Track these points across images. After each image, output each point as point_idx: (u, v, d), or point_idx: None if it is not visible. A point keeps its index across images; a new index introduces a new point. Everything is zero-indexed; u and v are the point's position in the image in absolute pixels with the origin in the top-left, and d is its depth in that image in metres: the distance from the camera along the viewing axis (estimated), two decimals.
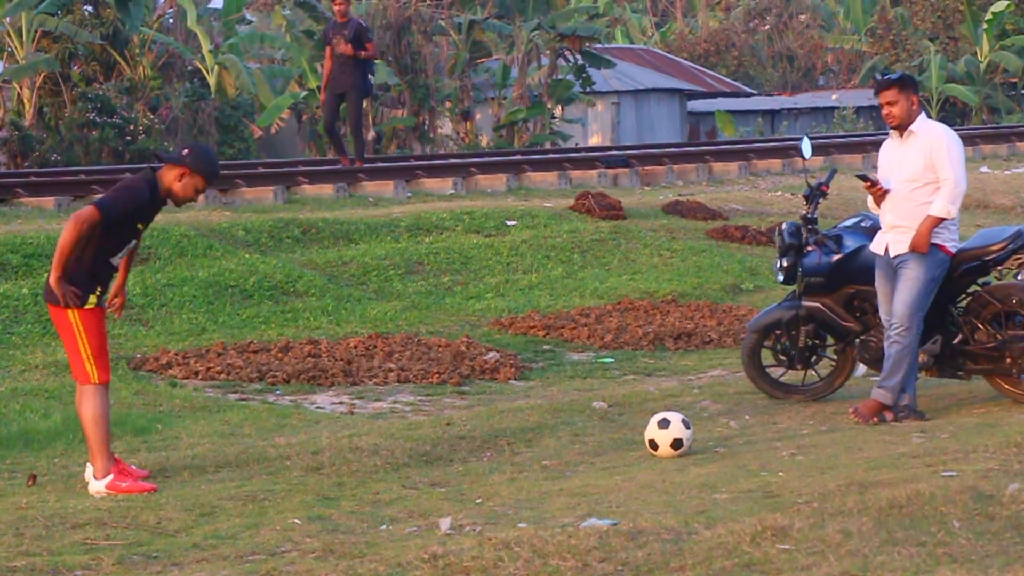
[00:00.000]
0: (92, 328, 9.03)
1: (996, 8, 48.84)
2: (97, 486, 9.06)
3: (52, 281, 8.89)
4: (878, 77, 10.59)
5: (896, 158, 10.54)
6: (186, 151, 9.18)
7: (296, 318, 15.59)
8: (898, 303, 10.34)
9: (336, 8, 23.12)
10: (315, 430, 11.07)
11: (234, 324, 15.23)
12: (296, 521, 8.02)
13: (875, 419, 10.34)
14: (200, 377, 13.27)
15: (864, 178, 10.65)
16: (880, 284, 10.55)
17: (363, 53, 22.85)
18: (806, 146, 11.82)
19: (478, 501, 8.47)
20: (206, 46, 38.49)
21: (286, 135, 40.77)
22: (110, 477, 9.04)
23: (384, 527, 7.90)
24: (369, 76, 23.33)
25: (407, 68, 37.94)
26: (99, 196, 9.05)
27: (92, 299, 9.01)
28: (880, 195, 10.49)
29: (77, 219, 8.86)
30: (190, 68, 38.79)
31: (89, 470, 9.14)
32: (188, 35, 39.58)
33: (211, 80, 38.32)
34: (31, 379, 12.75)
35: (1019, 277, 10.78)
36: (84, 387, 9.11)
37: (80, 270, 8.98)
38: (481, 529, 7.62)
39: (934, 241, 10.35)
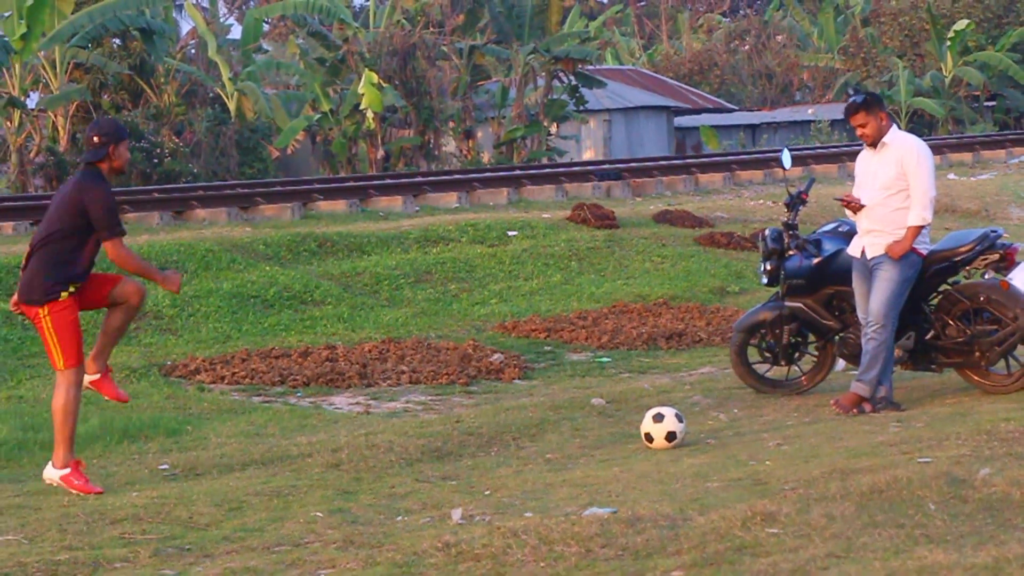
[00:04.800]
0: (61, 320, 8.87)
1: (958, 27, 48.87)
2: (52, 474, 8.98)
3: (160, 283, 9.06)
4: (850, 93, 10.59)
5: (871, 168, 10.53)
6: (95, 138, 9.02)
7: (314, 325, 15.59)
8: (874, 302, 10.34)
9: None
10: (334, 429, 11.06)
11: (257, 332, 15.23)
12: (318, 514, 8.01)
13: (855, 410, 10.33)
14: (226, 382, 13.27)
15: (841, 199, 10.65)
16: (857, 284, 10.55)
17: None
18: (786, 157, 11.82)
19: (487, 493, 8.46)
20: (226, 74, 38.49)
21: (301, 155, 40.77)
22: (67, 471, 8.94)
23: (400, 518, 7.89)
24: None
25: (413, 91, 37.94)
26: (101, 225, 8.87)
27: (64, 294, 8.92)
28: (857, 209, 10.51)
29: (121, 258, 8.90)
30: (211, 95, 38.78)
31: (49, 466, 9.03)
32: (209, 64, 39.58)
33: (231, 105, 38.32)
34: None
35: (986, 276, 10.78)
36: (58, 375, 8.98)
37: (67, 268, 8.90)
38: (490, 519, 7.61)
39: None
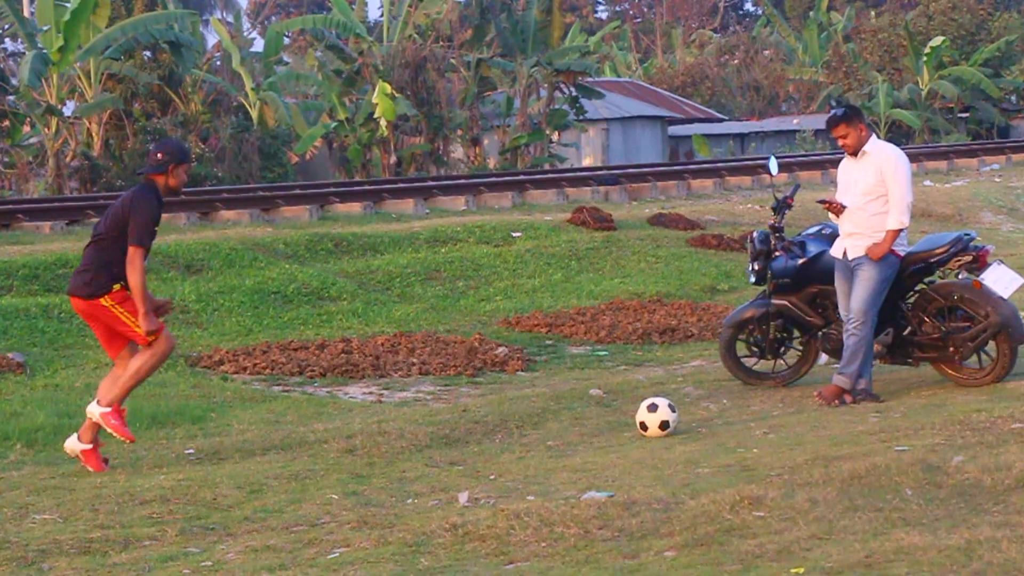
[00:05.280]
0: (127, 301, 8.96)
1: (934, 43, 48.83)
2: (93, 408, 9.06)
3: (140, 316, 8.90)
4: (832, 105, 10.58)
5: (852, 176, 10.52)
6: (159, 155, 9.09)
7: (330, 320, 15.58)
8: (855, 300, 10.32)
9: None
10: (348, 417, 11.06)
11: (277, 326, 15.23)
12: (334, 496, 8.01)
13: (836, 401, 10.32)
14: (248, 372, 13.26)
15: (823, 201, 10.64)
16: (839, 284, 10.53)
17: None
18: (773, 164, 11.81)
19: (492, 477, 8.45)
20: (249, 84, 38.45)
21: (319, 161, 40.72)
22: (108, 409, 9.00)
23: (410, 501, 7.88)
24: None
25: (423, 101, 37.89)
26: (131, 228, 8.90)
27: (116, 286, 8.98)
28: (838, 212, 10.49)
29: (132, 265, 8.87)
30: (235, 104, 38.74)
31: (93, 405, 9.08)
32: (233, 75, 39.53)
33: (253, 114, 38.28)
34: (102, 375, 12.71)
35: (960, 276, 10.76)
36: (147, 346, 9.03)
37: (112, 269, 8.95)
38: (495, 502, 7.60)
39: None
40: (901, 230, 10.32)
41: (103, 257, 9.03)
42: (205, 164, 34.73)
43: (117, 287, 8.99)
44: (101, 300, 9.03)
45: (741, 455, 8.47)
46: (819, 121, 51.16)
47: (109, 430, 9.08)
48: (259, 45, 44.53)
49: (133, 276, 8.91)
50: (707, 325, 15.38)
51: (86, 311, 9.18)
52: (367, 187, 26.95)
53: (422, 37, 39.92)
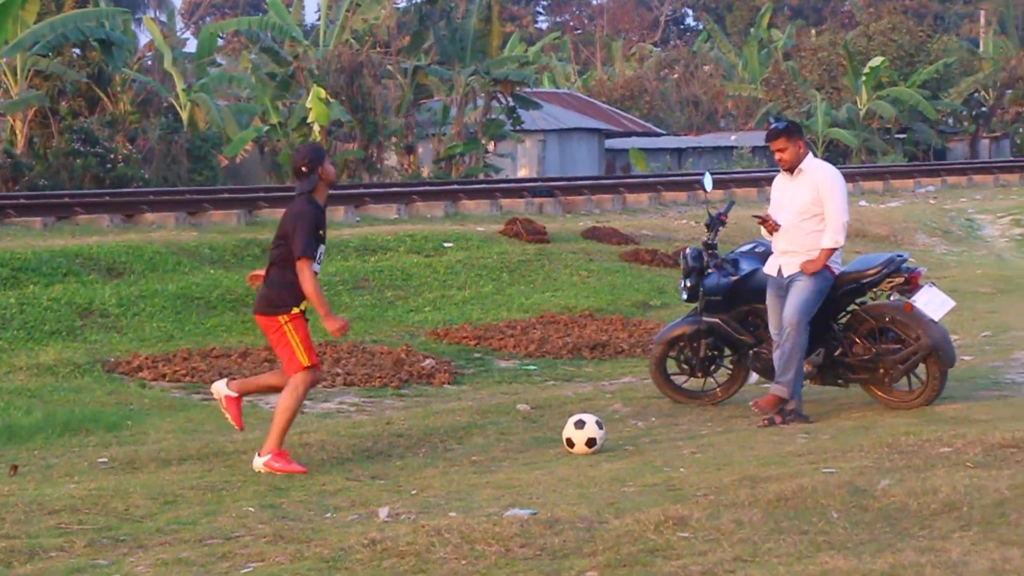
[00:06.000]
0: (300, 328, 9.20)
1: (873, 63, 49.30)
2: (258, 462, 9.13)
3: (324, 319, 9.12)
4: (771, 121, 10.61)
5: (787, 193, 10.54)
6: (303, 167, 9.24)
7: (254, 327, 15.39)
8: (788, 309, 10.35)
9: None
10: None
11: (199, 332, 15.08)
12: (250, 509, 7.91)
13: (765, 421, 10.33)
14: (167, 379, 13.11)
15: (759, 217, 10.66)
16: (771, 301, 10.55)
17: None
18: (708, 181, 11.81)
19: (413, 492, 8.38)
20: (180, 85, 38.20)
21: (250, 165, 40.50)
22: (269, 456, 9.12)
23: (329, 515, 7.80)
24: None
25: (358, 107, 37.79)
26: (294, 242, 9.13)
27: (295, 309, 9.19)
28: (773, 229, 10.52)
29: (303, 273, 9.05)
30: (165, 104, 38.48)
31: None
32: (164, 75, 39.27)
33: (184, 115, 38.03)
34: (16, 380, 12.56)
35: (891, 298, 10.82)
36: (292, 378, 9.20)
37: (293, 289, 9.14)
38: (415, 517, 7.53)
39: None
40: (836, 249, 10.36)
41: (284, 277, 9.20)
42: (131, 165, 34.43)
43: (296, 310, 9.20)
44: (279, 317, 9.19)
45: (668, 474, 8.45)
46: (757, 138, 51.57)
47: (279, 473, 9.06)
48: (192, 45, 44.32)
49: (306, 285, 9.06)
50: (638, 341, 15.37)
51: (265, 327, 9.34)
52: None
53: (359, 42, 39.83)
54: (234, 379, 9.74)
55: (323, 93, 35.39)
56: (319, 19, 42.09)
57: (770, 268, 10.61)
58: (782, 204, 10.56)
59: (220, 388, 9.51)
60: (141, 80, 37.87)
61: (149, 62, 42.35)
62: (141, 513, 7.85)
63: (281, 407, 9.21)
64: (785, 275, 10.45)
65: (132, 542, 7.22)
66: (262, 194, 26.07)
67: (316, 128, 35.86)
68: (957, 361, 11.06)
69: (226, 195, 25.60)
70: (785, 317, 10.35)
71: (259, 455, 9.17)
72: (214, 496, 8.29)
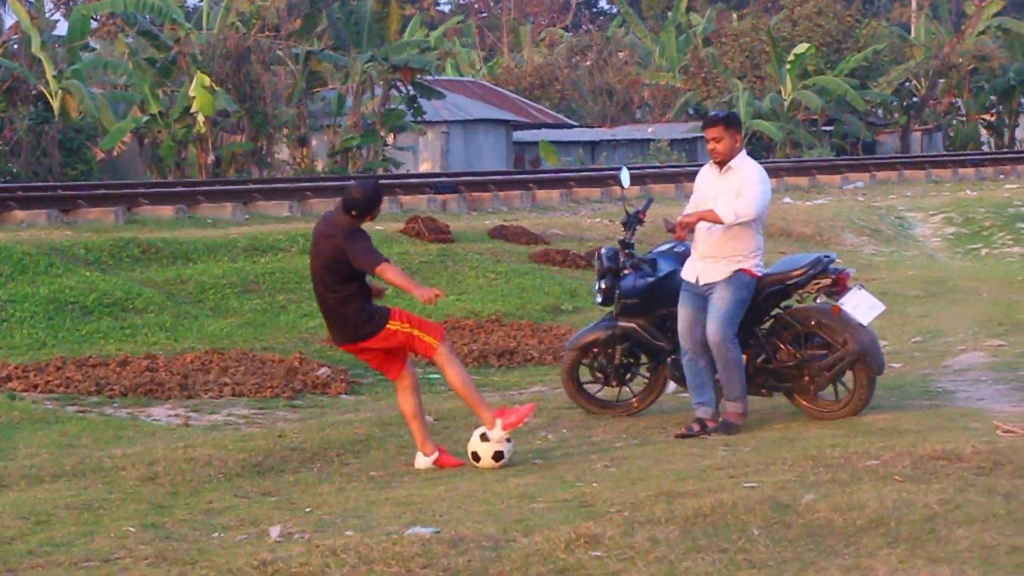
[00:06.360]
0: (404, 317, 9.73)
1: (798, 50, 49.77)
2: (483, 439, 9.68)
3: (414, 290, 9.55)
4: (690, 113, 10.73)
5: (713, 190, 10.61)
6: (354, 211, 9.71)
7: (135, 334, 15.37)
8: (711, 327, 10.40)
9: None
10: (151, 441, 10.91)
11: (74, 339, 14.97)
12: (130, 529, 7.89)
13: (684, 429, 10.45)
14: (39, 390, 13.02)
15: (671, 229, 10.75)
16: (682, 308, 10.59)
17: None
18: (624, 176, 11.87)
19: (307, 510, 8.40)
20: (50, 71, 37.79)
21: (128, 158, 40.18)
22: (500, 421, 9.64)
23: (216, 535, 7.80)
24: None
25: (246, 96, 37.62)
26: (362, 260, 9.63)
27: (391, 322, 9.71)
28: (680, 236, 10.66)
29: (388, 275, 9.52)
30: (34, 92, 38.05)
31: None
32: (33, 61, 38.80)
33: (55, 104, 37.63)
34: None
35: (817, 301, 10.94)
36: (436, 357, 9.77)
37: (364, 309, 9.68)
38: (309, 537, 7.55)
39: (741, 266, 10.47)
40: (723, 222, 10.38)
41: (350, 307, 9.68)
42: None
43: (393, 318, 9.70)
44: (388, 326, 9.66)
45: (579, 489, 8.52)
46: (675, 130, 51.97)
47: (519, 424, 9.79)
48: (63, 28, 43.80)
49: (398, 281, 9.54)
50: (549, 348, 15.46)
51: (366, 348, 9.83)
52: (180, 188, 26.67)
53: (246, 26, 39.66)
54: (425, 448, 9.90)
55: (207, 80, 35.18)
56: (202, 0, 41.87)
57: (687, 274, 10.68)
58: (705, 200, 10.62)
59: (423, 462, 9.83)
60: (7, 65, 37.42)
61: (15, 46, 41.82)
62: (11, 534, 7.80)
63: (457, 384, 9.79)
64: (702, 283, 10.54)
65: (1, 566, 7.18)
66: (142, 190, 25.90)
67: (200, 118, 35.65)
68: (886, 368, 11.22)
69: (102, 191, 25.41)
70: (708, 336, 10.43)
71: (489, 432, 9.64)
72: (91, 515, 8.26)
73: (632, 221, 11.43)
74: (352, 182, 9.95)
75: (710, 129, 10.59)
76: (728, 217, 10.34)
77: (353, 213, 9.67)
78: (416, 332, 9.71)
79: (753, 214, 10.40)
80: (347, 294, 9.65)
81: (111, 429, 11.62)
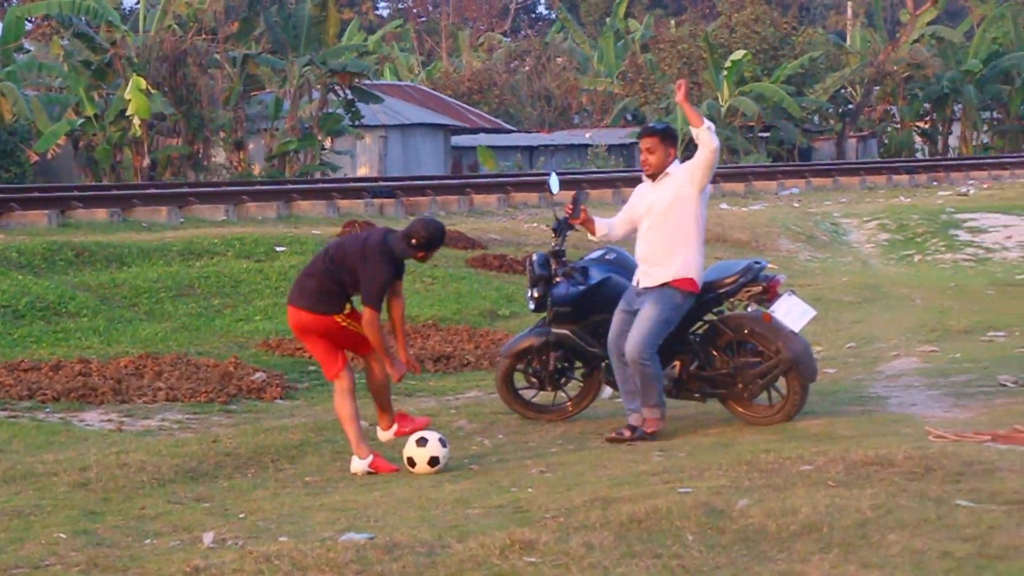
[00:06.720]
0: (354, 318, 9.87)
1: (735, 57, 49.97)
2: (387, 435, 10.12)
3: (386, 362, 9.89)
4: (628, 119, 10.77)
5: (648, 200, 10.64)
6: (421, 253, 9.80)
7: (68, 338, 15.26)
8: (630, 343, 10.36)
9: None
10: (83, 447, 10.83)
11: (5, 343, 14.85)
12: (61, 535, 7.84)
13: (615, 433, 10.48)
14: None
15: (569, 217, 10.86)
16: (617, 314, 10.60)
17: None
18: (554, 182, 11.86)
19: (241, 516, 8.37)
20: None
21: (62, 161, 39.88)
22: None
23: (148, 541, 7.76)
24: None
25: (182, 99, 37.45)
26: (368, 288, 9.70)
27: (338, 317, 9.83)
28: (580, 220, 10.80)
29: (370, 326, 9.68)
30: None
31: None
32: None
33: None
34: None
35: (749, 308, 10.99)
36: (367, 363, 10.10)
37: (336, 296, 9.79)
38: (243, 543, 7.53)
39: (672, 279, 10.47)
40: (705, 129, 10.46)
41: (327, 284, 9.80)
42: None
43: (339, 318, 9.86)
44: (335, 317, 9.78)
45: (515, 495, 8.54)
46: (613, 135, 52.11)
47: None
48: None
49: (369, 330, 9.73)
50: (485, 353, 15.47)
51: (311, 330, 9.93)
52: (115, 192, 26.51)
53: (182, 28, 39.45)
54: (360, 451, 9.93)
55: (143, 83, 34.99)
56: (138, 2, 41.62)
57: (634, 277, 10.72)
58: (641, 212, 10.63)
59: (359, 465, 9.85)
60: None
61: None
62: None
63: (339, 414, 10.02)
64: (640, 287, 10.57)
65: None
66: (76, 193, 25.72)
67: (136, 122, 35.46)
68: (820, 374, 11.30)
69: (36, 194, 25.22)
70: (627, 352, 10.42)
71: (382, 429, 10.09)
72: (21, 522, 8.20)
73: (562, 228, 11.41)
74: (419, 218, 10.12)
75: (645, 139, 10.63)
76: (706, 122, 10.44)
77: (413, 241, 9.71)
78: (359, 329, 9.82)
79: (715, 143, 10.46)
80: (336, 284, 9.76)
81: (43, 434, 11.52)
